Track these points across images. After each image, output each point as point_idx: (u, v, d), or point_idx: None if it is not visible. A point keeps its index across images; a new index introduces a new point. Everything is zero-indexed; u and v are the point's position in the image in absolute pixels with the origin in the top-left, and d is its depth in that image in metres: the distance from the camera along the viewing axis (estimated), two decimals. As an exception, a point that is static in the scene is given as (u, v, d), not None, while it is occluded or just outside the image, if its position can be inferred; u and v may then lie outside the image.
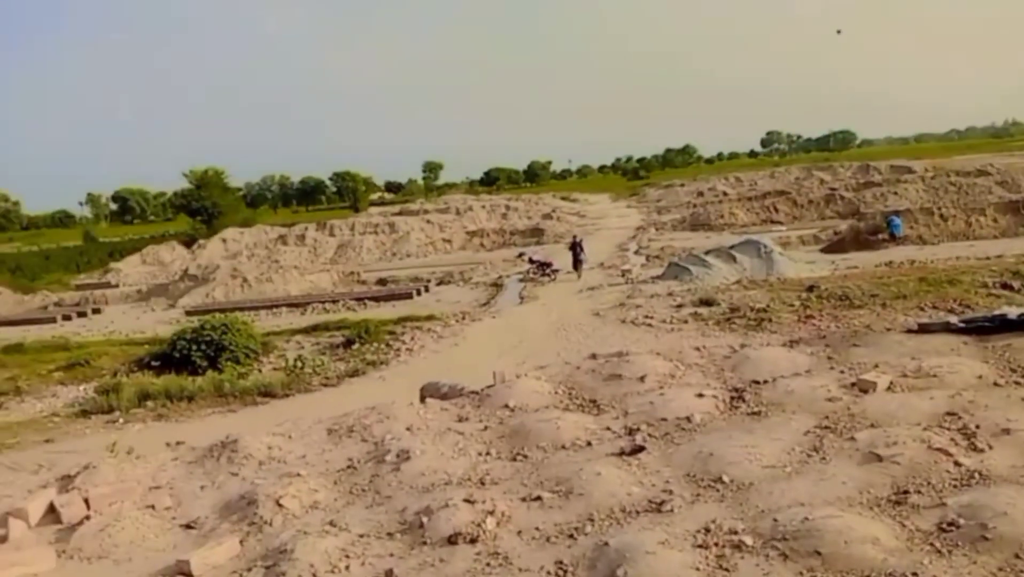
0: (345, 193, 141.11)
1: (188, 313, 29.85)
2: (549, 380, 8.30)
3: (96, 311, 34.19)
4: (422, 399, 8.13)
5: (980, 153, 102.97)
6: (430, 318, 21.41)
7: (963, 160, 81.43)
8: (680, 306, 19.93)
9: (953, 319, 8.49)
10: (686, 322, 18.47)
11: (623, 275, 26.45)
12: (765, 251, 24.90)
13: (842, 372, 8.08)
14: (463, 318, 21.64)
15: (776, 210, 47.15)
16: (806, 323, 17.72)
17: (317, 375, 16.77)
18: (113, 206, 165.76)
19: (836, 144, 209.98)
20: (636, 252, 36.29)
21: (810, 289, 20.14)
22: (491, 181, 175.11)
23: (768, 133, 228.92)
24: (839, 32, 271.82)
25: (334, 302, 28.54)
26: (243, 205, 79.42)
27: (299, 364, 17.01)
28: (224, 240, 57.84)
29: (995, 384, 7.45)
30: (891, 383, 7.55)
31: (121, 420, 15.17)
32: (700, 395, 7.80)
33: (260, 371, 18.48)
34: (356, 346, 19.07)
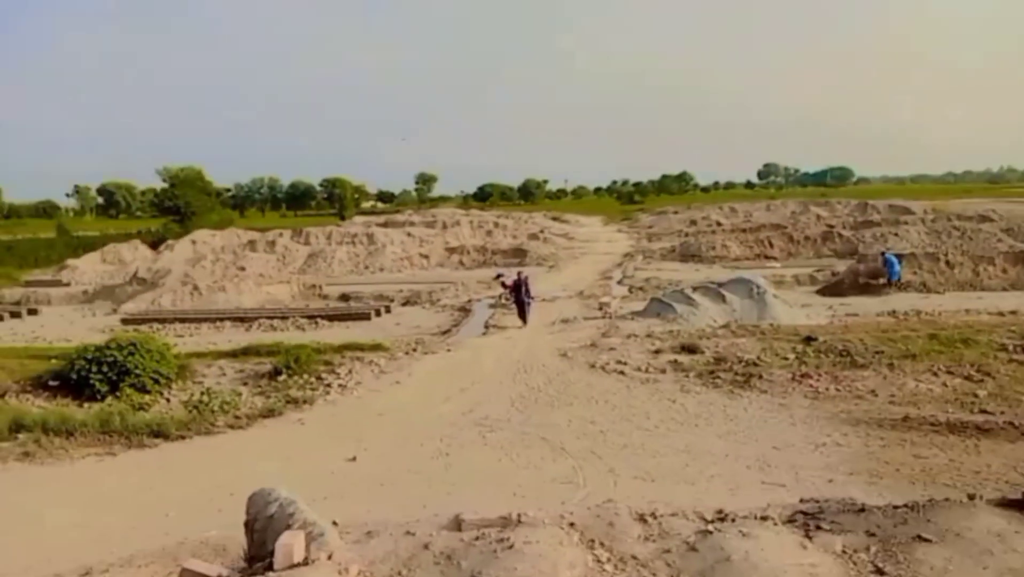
0: (335, 200, 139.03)
1: (124, 321, 27.25)
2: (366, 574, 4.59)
3: (32, 312, 31.50)
4: (247, 526, 5.33)
5: (978, 197, 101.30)
6: (376, 348, 18.88)
7: (962, 204, 79.59)
8: (659, 352, 17.47)
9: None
10: (664, 372, 16.02)
11: (601, 308, 24.02)
12: (758, 291, 22.49)
13: (904, 613, 4.42)
14: (414, 349, 19.11)
15: (771, 245, 44.91)
16: (801, 382, 15.33)
17: (225, 413, 14.20)
18: (100, 200, 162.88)
19: (833, 180, 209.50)
20: (620, 282, 33.85)
21: (807, 341, 17.74)
22: (485, 196, 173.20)
23: (765, 165, 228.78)
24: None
25: (283, 319, 25.98)
26: (219, 206, 76.64)
27: (205, 399, 14.44)
28: (194, 242, 55.18)
29: None
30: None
31: (-23, 457, 12.57)
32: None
33: (168, 400, 15.93)
34: (283, 377, 16.52)
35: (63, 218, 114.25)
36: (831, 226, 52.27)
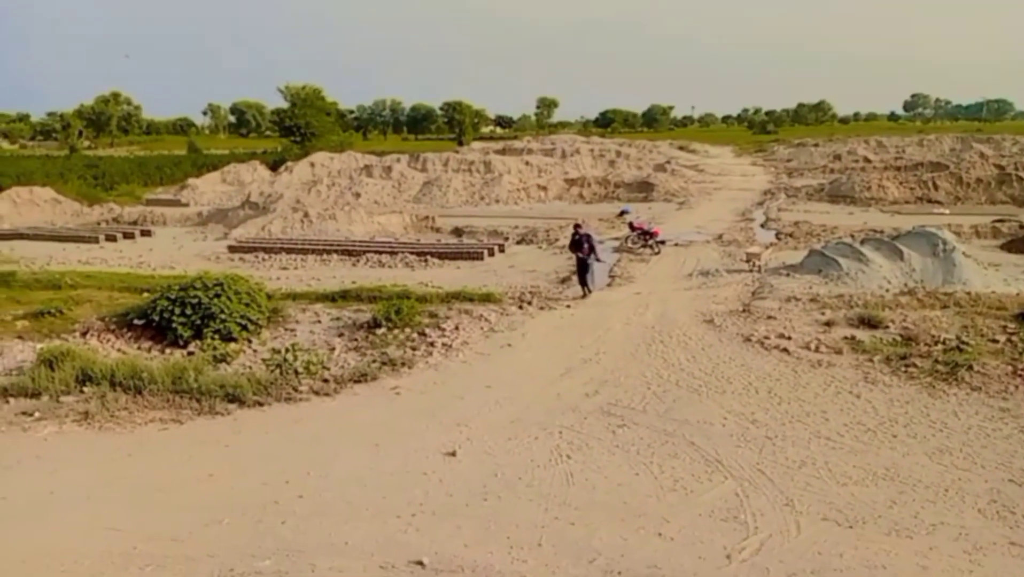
0: (454, 124, 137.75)
1: (231, 249, 26.04)
2: None
3: (145, 233, 30.96)
4: None
5: None
6: (486, 299, 16.52)
7: None
8: (830, 323, 14.26)
9: None
10: (839, 352, 12.88)
11: (748, 260, 20.68)
12: (944, 248, 18.60)
13: None
14: (529, 303, 16.62)
15: (935, 187, 39.45)
16: (1025, 378, 11.90)
17: (311, 375, 12.21)
18: (232, 118, 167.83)
19: (989, 114, 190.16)
20: (764, 225, 30.05)
21: (1021, 318, 14.09)
22: (606, 123, 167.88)
23: (912, 95, 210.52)
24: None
25: (392, 254, 24.01)
26: (339, 128, 75.76)
27: (290, 357, 12.45)
28: (312, 164, 54.47)
29: None
30: None
31: (36, 414, 11.09)
32: None
33: (255, 351, 14.14)
34: (382, 331, 14.42)
35: (195, 136, 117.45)
36: (1001, 167, 45.74)
